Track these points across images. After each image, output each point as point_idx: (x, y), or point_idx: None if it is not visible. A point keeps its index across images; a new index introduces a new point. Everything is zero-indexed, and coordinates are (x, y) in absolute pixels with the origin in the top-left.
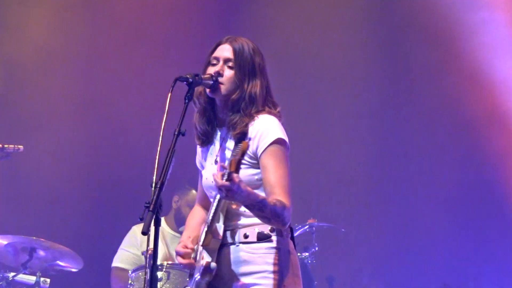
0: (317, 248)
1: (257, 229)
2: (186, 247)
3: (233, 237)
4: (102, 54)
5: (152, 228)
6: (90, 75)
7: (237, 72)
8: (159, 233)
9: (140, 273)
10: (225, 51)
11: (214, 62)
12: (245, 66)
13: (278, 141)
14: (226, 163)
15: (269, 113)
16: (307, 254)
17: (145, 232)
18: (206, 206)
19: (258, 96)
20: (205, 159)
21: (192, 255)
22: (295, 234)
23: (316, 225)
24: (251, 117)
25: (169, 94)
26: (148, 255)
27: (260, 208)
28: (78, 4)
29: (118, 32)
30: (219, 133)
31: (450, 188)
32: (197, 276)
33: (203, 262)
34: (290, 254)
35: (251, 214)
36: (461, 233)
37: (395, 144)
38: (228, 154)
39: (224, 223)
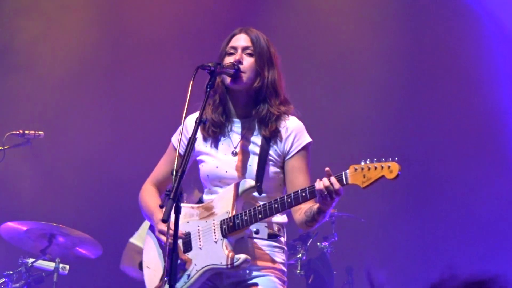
0: (336, 238)
1: (267, 227)
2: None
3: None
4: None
5: (173, 215)
6: (109, 71)
7: (257, 59)
8: (179, 220)
9: None
10: (242, 40)
11: (232, 51)
12: (264, 54)
13: (309, 145)
14: (246, 156)
15: (293, 114)
16: (326, 244)
17: (165, 220)
18: (160, 189)
19: (278, 85)
20: (217, 148)
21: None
22: None
23: (336, 215)
24: (279, 112)
25: (191, 82)
26: (168, 243)
27: (325, 216)
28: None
29: (131, 35)
30: (235, 124)
31: (466, 179)
32: (219, 265)
33: (228, 253)
34: (287, 254)
35: None
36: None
37: (418, 135)
38: (253, 148)
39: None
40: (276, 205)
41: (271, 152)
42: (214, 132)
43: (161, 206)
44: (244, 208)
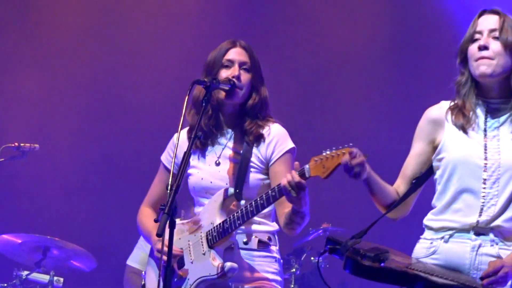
0: None
1: (256, 237)
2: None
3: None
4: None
5: (167, 230)
6: (103, 72)
7: (254, 75)
8: (173, 235)
9: None
10: (239, 54)
11: (228, 64)
12: (258, 70)
13: (292, 150)
14: (229, 165)
15: (274, 122)
16: (321, 259)
17: (159, 234)
18: (157, 210)
19: (267, 101)
20: (202, 160)
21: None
22: (310, 238)
23: (330, 230)
24: (264, 122)
25: (187, 97)
26: (162, 258)
27: (304, 216)
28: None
29: (131, 30)
30: (221, 135)
31: None
32: (208, 276)
33: (216, 263)
34: (281, 263)
35: (250, 220)
36: None
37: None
38: (236, 156)
39: None
40: (251, 208)
41: (253, 159)
42: (203, 144)
43: (155, 221)
44: (228, 217)
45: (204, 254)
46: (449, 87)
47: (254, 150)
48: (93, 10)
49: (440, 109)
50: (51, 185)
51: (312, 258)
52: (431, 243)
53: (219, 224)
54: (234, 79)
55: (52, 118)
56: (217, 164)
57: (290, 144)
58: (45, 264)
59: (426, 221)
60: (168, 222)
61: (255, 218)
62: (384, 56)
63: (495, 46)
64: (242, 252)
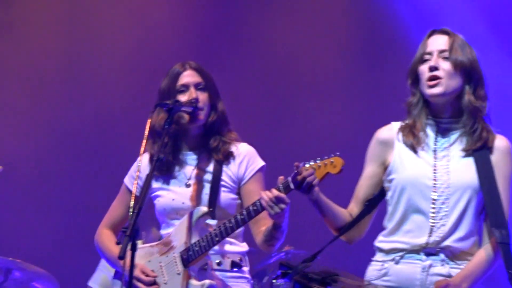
0: None
1: (229, 258)
2: (148, 275)
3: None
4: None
5: (129, 253)
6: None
7: (210, 93)
8: (135, 257)
9: None
10: (192, 76)
11: (183, 89)
12: (213, 87)
13: (263, 168)
14: (200, 185)
15: (238, 139)
16: (282, 281)
17: (121, 257)
18: (116, 233)
19: (226, 114)
20: (170, 182)
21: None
22: (271, 261)
23: (293, 252)
24: (231, 140)
25: (149, 120)
26: (123, 280)
27: (283, 231)
28: None
29: (107, 32)
30: (188, 157)
31: None
32: None
33: (195, 282)
34: (252, 284)
35: (223, 240)
36: None
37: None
38: (207, 176)
39: None
40: (230, 224)
41: (224, 177)
42: (169, 167)
43: (117, 243)
44: (201, 236)
45: (179, 274)
46: (401, 107)
47: (225, 168)
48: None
49: (390, 130)
50: (13, 206)
51: (274, 280)
52: (382, 265)
53: (195, 243)
54: (195, 103)
55: (12, 138)
56: (187, 185)
57: (261, 162)
58: (7, 286)
59: (377, 243)
60: (130, 244)
61: (227, 238)
62: (344, 62)
63: (445, 66)
64: (216, 273)
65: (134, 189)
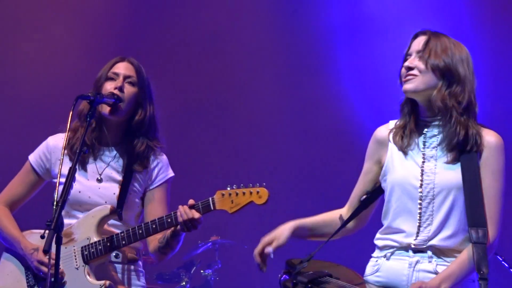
0: (220, 265)
1: (127, 251)
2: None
3: None
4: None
5: (54, 246)
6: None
7: (139, 90)
8: (60, 251)
9: None
10: (125, 68)
11: (113, 76)
12: (146, 86)
13: (171, 179)
14: (111, 184)
15: (162, 148)
16: (210, 271)
17: (46, 251)
18: (12, 210)
19: (156, 120)
20: (81, 173)
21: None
22: (199, 251)
23: (219, 242)
24: (156, 147)
25: (71, 112)
26: (49, 273)
27: (179, 242)
28: None
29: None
30: (105, 152)
31: None
32: None
33: (94, 281)
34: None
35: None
36: None
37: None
38: (117, 176)
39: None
40: (140, 231)
41: (135, 182)
42: (84, 157)
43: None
44: (103, 234)
45: (77, 268)
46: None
47: (136, 173)
48: None
49: (386, 129)
50: None
51: (201, 271)
52: (376, 261)
53: (99, 241)
54: (117, 94)
55: None
56: (99, 180)
57: (171, 173)
58: None
59: (375, 240)
60: (54, 238)
61: None
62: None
63: (419, 65)
64: (113, 265)
65: (58, 182)
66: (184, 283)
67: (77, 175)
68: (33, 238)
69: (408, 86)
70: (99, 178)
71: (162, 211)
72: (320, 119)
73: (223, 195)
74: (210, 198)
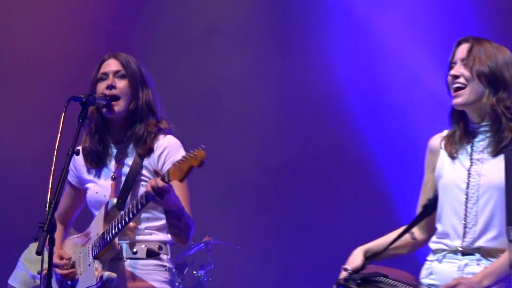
0: (213, 266)
1: (145, 246)
2: (63, 258)
3: (120, 251)
4: None
5: (47, 248)
6: None
7: (130, 81)
8: (53, 253)
9: None
10: (111, 65)
11: (103, 77)
12: (136, 75)
13: None
14: (122, 178)
15: (169, 132)
16: (203, 272)
17: (39, 252)
18: (65, 224)
19: (153, 104)
20: (99, 175)
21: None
22: (191, 252)
23: (212, 243)
24: (157, 129)
25: (63, 114)
26: (42, 276)
27: (178, 217)
28: None
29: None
30: (114, 151)
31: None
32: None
33: (97, 273)
34: (174, 272)
35: (141, 229)
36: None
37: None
38: (125, 169)
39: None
40: (125, 217)
41: (144, 171)
42: (96, 162)
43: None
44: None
45: (89, 265)
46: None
47: (145, 162)
48: None
49: (438, 138)
50: None
51: (194, 272)
52: (430, 264)
53: (102, 234)
54: (109, 94)
55: None
56: (113, 178)
57: (182, 154)
58: None
59: (429, 243)
60: (47, 239)
61: (146, 230)
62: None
63: (465, 72)
64: (130, 261)
65: (50, 184)
66: (177, 284)
67: (93, 177)
68: (68, 245)
69: (458, 101)
70: (113, 176)
71: (181, 197)
72: (319, 119)
73: (174, 165)
74: (166, 170)
